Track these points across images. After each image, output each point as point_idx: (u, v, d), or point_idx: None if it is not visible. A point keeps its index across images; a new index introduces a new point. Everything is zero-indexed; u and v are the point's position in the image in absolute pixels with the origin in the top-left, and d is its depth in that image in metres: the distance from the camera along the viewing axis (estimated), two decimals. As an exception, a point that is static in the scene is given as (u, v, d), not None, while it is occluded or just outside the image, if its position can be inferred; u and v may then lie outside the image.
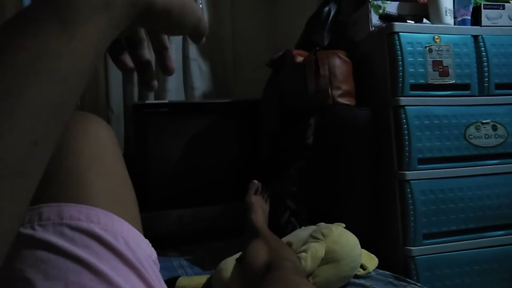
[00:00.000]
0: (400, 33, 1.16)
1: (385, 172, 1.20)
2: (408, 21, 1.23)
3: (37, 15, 0.24)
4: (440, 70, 1.19)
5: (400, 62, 1.16)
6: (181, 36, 1.87)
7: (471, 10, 1.28)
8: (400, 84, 1.16)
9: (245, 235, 1.10)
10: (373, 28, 1.27)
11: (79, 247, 0.33)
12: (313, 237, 0.94)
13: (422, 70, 1.17)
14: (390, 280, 0.95)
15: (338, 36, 1.36)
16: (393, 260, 1.15)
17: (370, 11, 1.27)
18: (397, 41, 1.16)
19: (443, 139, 1.17)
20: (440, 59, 1.19)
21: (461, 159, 1.19)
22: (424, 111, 1.17)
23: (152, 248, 0.41)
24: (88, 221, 0.35)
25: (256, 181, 1.29)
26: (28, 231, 0.34)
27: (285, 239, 1.00)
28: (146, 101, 1.71)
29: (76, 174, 0.39)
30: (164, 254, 1.25)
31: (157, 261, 0.41)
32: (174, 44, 1.83)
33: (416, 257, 1.13)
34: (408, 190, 1.14)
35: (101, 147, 0.42)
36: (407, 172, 1.15)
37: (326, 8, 1.37)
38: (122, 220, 0.38)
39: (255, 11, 2.05)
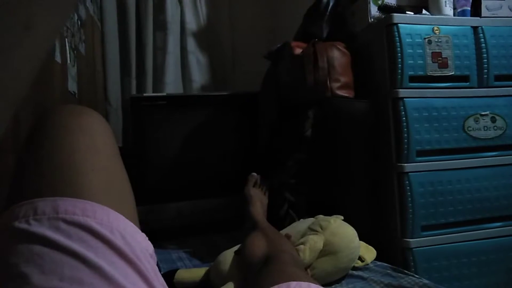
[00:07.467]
0: (399, 25, 1.16)
1: (383, 164, 1.20)
2: (407, 12, 1.22)
3: None
4: (439, 61, 1.18)
5: (399, 54, 1.15)
6: (179, 29, 1.86)
7: (471, 0, 1.27)
8: (399, 76, 1.15)
9: (243, 227, 1.10)
10: (372, 20, 1.26)
11: (74, 241, 0.33)
12: (312, 230, 0.94)
13: (421, 61, 1.17)
14: (388, 271, 0.95)
15: (337, 27, 1.35)
16: (391, 252, 1.16)
17: (369, 2, 1.26)
18: (396, 33, 1.15)
19: (441, 131, 1.17)
20: (439, 51, 1.18)
21: (459, 151, 1.19)
22: (423, 103, 1.17)
23: (149, 242, 0.41)
24: (83, 215, 0.35)
25: (255, 174, 1.29)
26: (23, 225, 0.34)
27: (284, 231, 1.01)
28: (144, 94, 1.71)
29: (71, 168, 0.38)
30: (163, 247, 1.26)
31: (154, 254, 0.41)
32: (172, 36, 1.81)
33: (414, 249, 1.13)
34: (407, 182, 1.14)
35: (97, 141, 0.42)
36: (405, 164, 1.15)
37: (325, -1, 1.36)
38: (118, 214, 0.38)
39: (254, 3, 2.03)
